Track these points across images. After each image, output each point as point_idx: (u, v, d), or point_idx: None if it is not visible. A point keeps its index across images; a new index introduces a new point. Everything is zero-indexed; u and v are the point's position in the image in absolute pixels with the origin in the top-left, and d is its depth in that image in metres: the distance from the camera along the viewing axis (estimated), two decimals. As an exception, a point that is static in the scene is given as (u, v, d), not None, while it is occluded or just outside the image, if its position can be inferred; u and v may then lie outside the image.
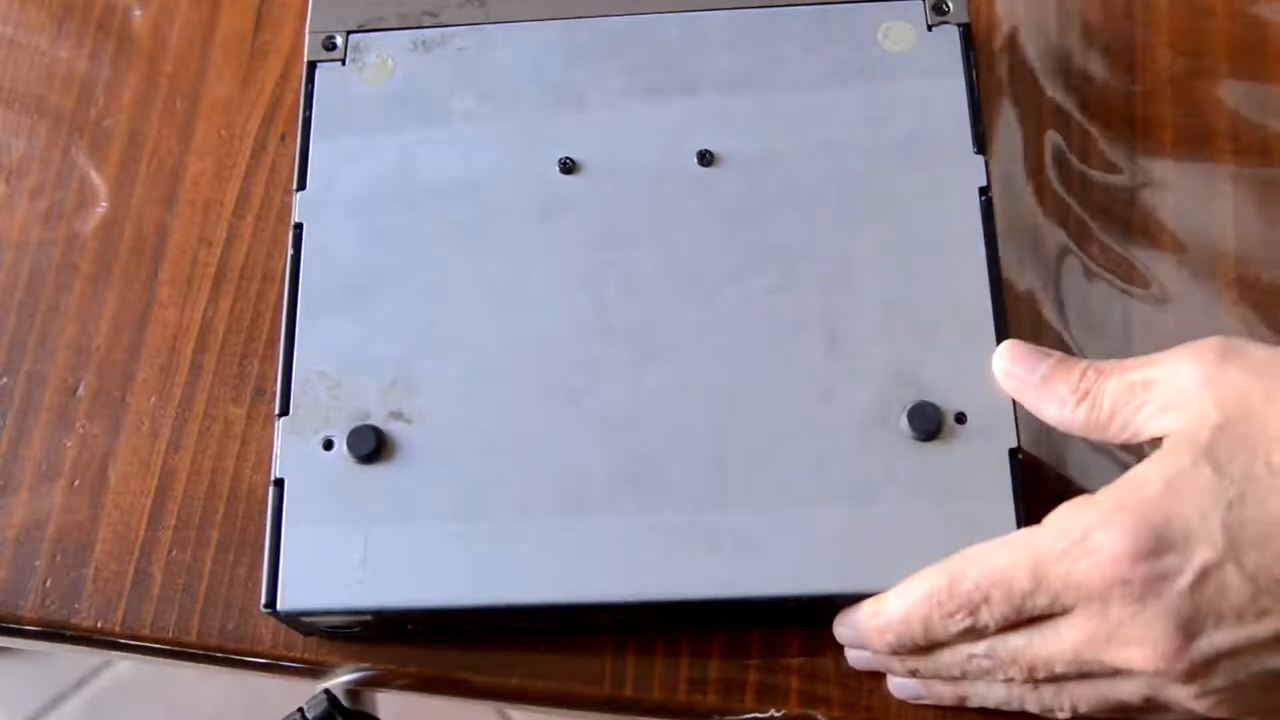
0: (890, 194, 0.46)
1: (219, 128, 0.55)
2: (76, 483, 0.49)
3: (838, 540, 0.42)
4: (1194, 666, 0.36)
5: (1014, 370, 0.42)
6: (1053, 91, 0.52)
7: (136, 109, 0.55)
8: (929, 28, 0.48)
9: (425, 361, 0.45)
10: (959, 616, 0.39)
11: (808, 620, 0.45)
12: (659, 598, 0.42)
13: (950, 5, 0.48)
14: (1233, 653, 0.36)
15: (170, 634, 0.47)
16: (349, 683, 0.46)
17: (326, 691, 0.46)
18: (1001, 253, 0.45)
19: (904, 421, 0.43)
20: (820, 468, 0.43)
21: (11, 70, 0.57)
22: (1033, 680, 0.40)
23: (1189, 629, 0.36)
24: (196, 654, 0.47)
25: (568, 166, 0.47)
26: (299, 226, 0.47)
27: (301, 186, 0.48)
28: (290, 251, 0.47)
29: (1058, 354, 0.42)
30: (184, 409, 0.50)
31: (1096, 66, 0.52)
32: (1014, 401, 0.43)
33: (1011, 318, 0.45)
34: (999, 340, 0.44)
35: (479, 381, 0.44)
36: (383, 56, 0.50)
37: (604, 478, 0.43)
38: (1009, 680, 0.40)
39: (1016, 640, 0.39)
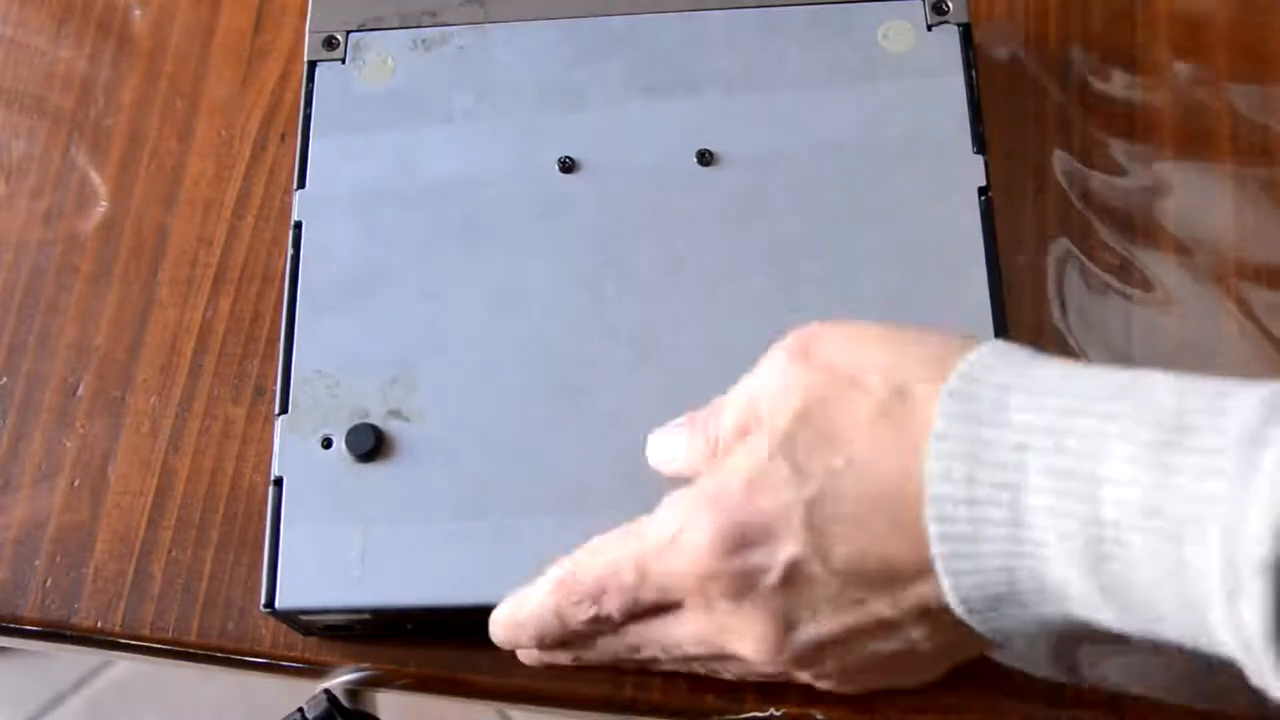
0: (890, 194, 0.46)
1: (219, 128, 0.55)
2: (76, 483, 0.49)
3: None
4: (799, 656, 0.37)
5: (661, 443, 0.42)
6: (1053, 92, 0.52)
7: (136, 109, 0.55)
8: (929, 28, 0.48)
9: (424, 360, 0.45)
10: (585, 605, 0.39)
11: (807, 620, 0.45)
12: (659, 597, 0.42)
13: (950, 5, 0.48)
14: (835, 641, 0.37)
15: (170, 634, 0.47)
16: (349, 683, 0.46)
17: (326, 691, 0.46)
18: (1002, 253, 0.45)
19: (904, 421, 0.42)
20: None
21: (11, 70, 0.57)
22: (681, 660, 0.41)
23: (785, 622, 0.36)
24: (196, 654, 0.47)
25: (567, 166, 0.47)
26: (299, 225, 0.47)
27: (301, 185, 0.48)
28: (290, 250, 0.47)
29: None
30: (184, 409, 0.50)
31: (1097, 67, 0.52)
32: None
33: (1012, 319, 0.45)
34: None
35: (478, 380, 0.44)
36: (383, 55, 0.50)
37: (603, 476, 0.43)
38: (663, 659, 0.41)
39: (646, 629, 0.39)
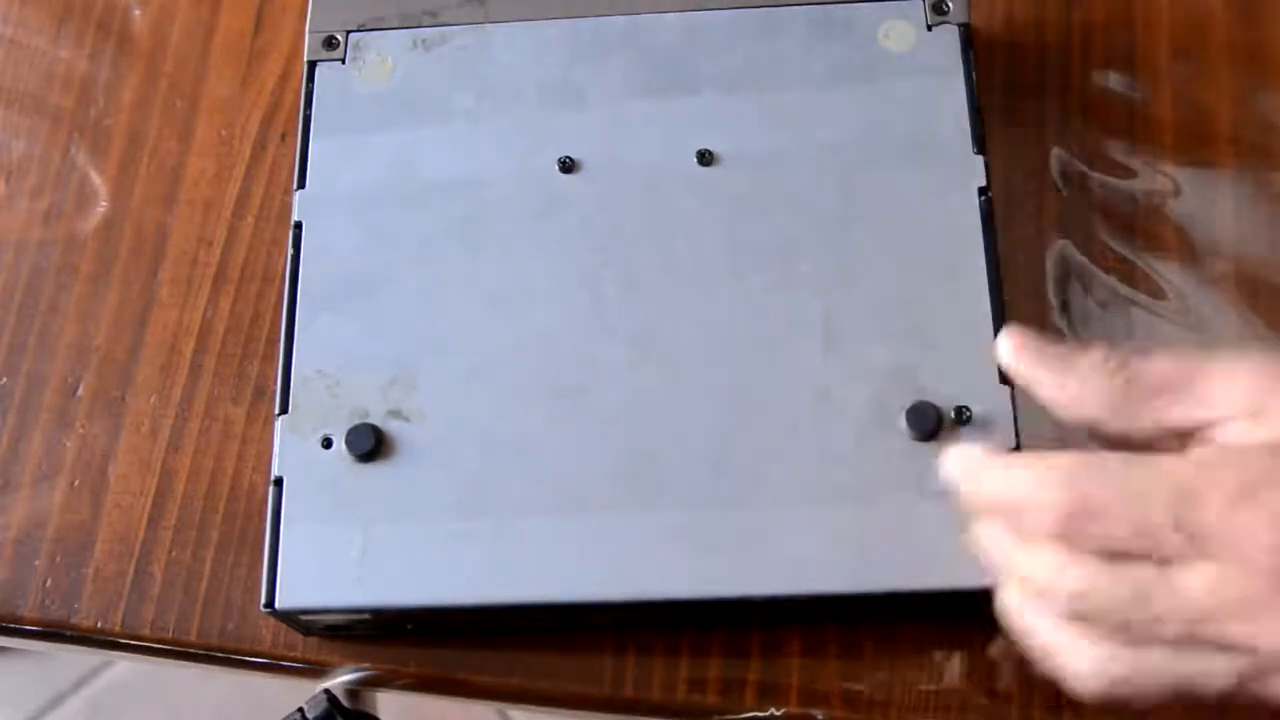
0: (890, 194, 0.46)
1: (219, 128, 0.55)
2: (76, 483, 0.49)
3: (837, 540, 0.42)
4: None
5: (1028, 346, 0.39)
6: (1053, 92, 0.52)
7: (136, 109, 0.55)
8: (929, 27, 0.48)
9: (424, 360, 0.45)
10: (1075, 516, 0.34)
11: (808, 620, 0.45)
12: (659, 597, 0.42)
13: (950, 5, 0.48)
14: None
15: (170, 634, 0.47)
16: (349, 683, 0.46)
17: (326, 691, 0.46)
18: (1002, 253, 0.45)
19: (903, 421, 0.42)
20: (819, 467, 0.42)
21: (11, 70, 0.57)
22: (1128, 633, 0.35)
23: None
24: (196, 654, 0.47)
25: (567, 165, 0.47)
26: (299, 225, 0.47)
27: (301, 185, 0.48)
28: (290, 250, 0.47)
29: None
30: (184, 409, 0.50)
31: (1097, 68, 0.52)
32: (1014, 400, 0.43)
33: (1011, 319, 0.45)
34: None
35: (478, 380, 0.44)
36: (383, 55, 0.50)
37: (603, 477, 0.43)
38: (1104, 627, 0.35)
39: (1143, 572, 0.34)
